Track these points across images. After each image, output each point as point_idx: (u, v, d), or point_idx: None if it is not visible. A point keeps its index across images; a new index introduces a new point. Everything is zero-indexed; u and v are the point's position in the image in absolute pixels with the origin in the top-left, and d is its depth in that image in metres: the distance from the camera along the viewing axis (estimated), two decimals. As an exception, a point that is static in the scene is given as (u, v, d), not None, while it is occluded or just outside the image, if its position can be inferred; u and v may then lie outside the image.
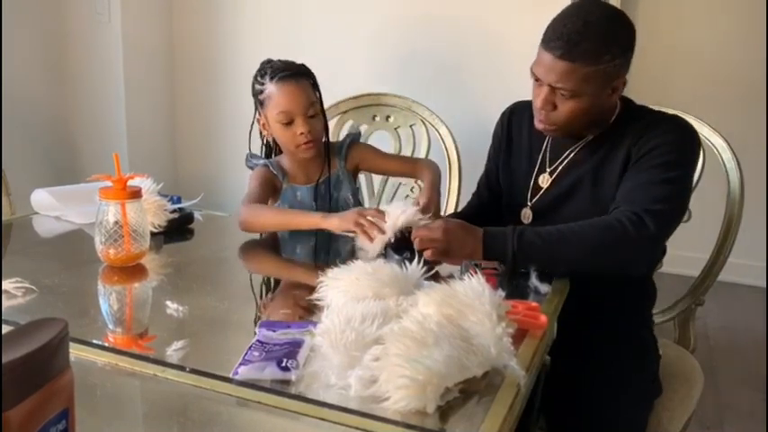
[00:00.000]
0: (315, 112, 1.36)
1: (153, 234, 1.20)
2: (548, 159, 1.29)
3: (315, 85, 1.40)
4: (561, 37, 1.08)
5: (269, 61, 1.40)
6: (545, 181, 1.27)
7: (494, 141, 1.42)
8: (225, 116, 2.39)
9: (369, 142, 1.66)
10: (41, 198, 1.41)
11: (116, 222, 1.06)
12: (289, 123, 1.34)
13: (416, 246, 1.09)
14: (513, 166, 1.35)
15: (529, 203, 1.29)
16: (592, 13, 1.09)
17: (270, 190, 1.42)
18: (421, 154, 1.79)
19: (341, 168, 1.47)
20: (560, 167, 1.26)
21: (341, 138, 1.65)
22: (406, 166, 1.52)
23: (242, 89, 2.38)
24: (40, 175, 2.18)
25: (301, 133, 1.33)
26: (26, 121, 2.13)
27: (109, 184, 1.08)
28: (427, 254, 1.07)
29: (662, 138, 1.14)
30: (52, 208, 1.39)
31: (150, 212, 1.26)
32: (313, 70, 1.42)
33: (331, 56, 2.12)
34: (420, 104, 1.78)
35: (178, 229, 1.34)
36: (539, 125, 1.20)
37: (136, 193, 1.09)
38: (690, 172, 1.17)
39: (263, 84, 1.37)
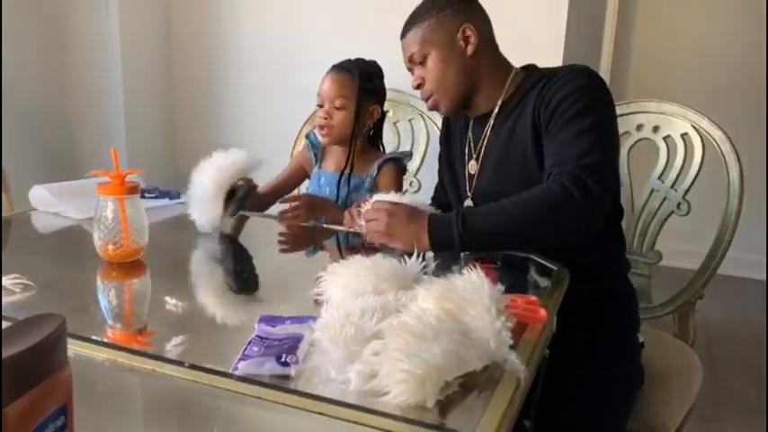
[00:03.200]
0: (341, 105, 1.47)
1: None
2: (472, 146, 1.30)
3: (361, 87, 1.47)
4: (404, 25, 1.25)
5: (351, 59, 1.54)
6: (473, 168, 1.29)
7: (439, 134, 1.46)
8: (224, 110, 2.39)
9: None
10: (40, 194, 1.41)
11: (114, 218, 1.06)
12: (320, 106, 1.49)
13: (364, 228, 1.12)
14: (451, 158, 1.38)
15: (469, 194, 1.30)
16: None
17: (295, 173, 1.64)
18: (420, 148, 1.78)
19: (371, 176, 1.51)
20: (482, 150, 1.27)
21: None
22: None
23: (241, 81, 2.38)
24: (38, 171, 2.17)
25: (320, 116, 1.48)
26: (24, 116, 2.12)
27: (107, 179, 1.08)
28: (371, 236, 1.10)
29: (564, 89, 1.12)
30: (50, 204, 1.39)
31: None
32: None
33: (329, 50, 2.11)
34: (419, 99, 1.77)
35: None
36: (428, 107, 1.28)
37: (134, 189, 1.08)
38: (605, 113, 1.14)
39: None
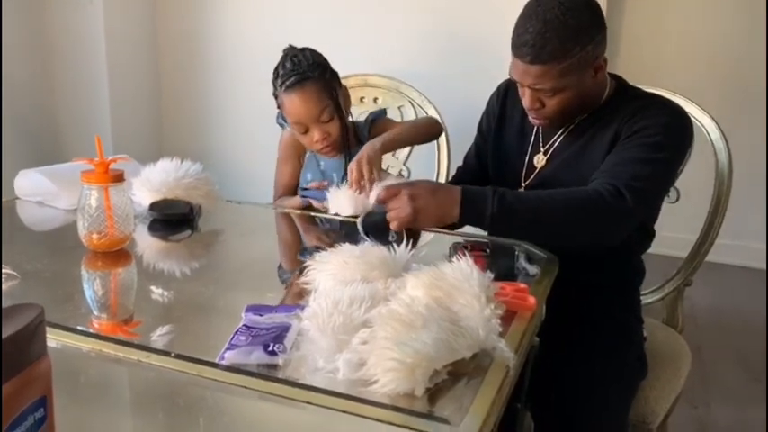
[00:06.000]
0: (328, 116, 1.32)
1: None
2: (541, 140, 1.28)
3: (328, 83, 1.32)
4: (526, 43, 1.08)
5: (283, 62, 1.35)
6: (540, 161, 1.27)
7: (487, 113, 1.40)
8: (210, 97, 2.36)
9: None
10: (27, 181, 1.37)
11: (99, 207, 1.04)
12: (305, 131, 1.34)
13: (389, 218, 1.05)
14: (504, 142, 1.34)
15: (523, 183, 1.28)
16: (550, 9, 1.07)
17: (294, 158, 1.47)
18: (409, 136, 1.77)
19: (364, 136, 1.42)
20: (553, 148, 1.26)
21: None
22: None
23: (227, 69, 2.36)
24: (22, 160, 2.14)
25: (317, 140, 1.33)
26: (8, 104, 2.09)
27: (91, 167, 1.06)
28: (394, 225, 1.04)
29: (654, 119, 1.13)
30: (39, 191, 1.36)
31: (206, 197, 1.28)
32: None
33: (317, 36, 2.09)
34: (408, 85, 1.76)
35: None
36: (534, 122, 1.21)
37: (119, 177, 1.07)
38: (676, 156, 1.16)
39: (276, 90, 1.35)
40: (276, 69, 1.35)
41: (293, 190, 1.50)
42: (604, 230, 1.09)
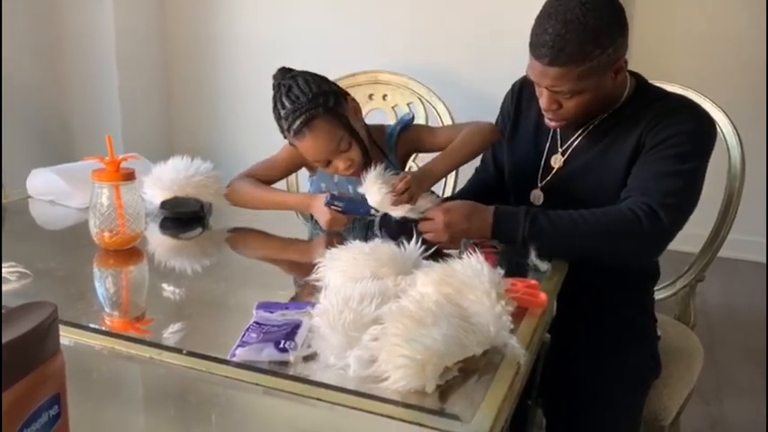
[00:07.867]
0: (346, 145, 1.21)
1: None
2: (558, 140, 1.26)
3: (335, 112, 1.19)
4: (545, 44, 1.05)
5: (279, 98, 1.20)
6: (557, 162, 1.25)
7: (502, 114, 1.39)
8: (221, 95, 2.37)
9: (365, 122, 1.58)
10: (42, 179, 1.38)
11: (110, 205, 1.05)
12: (327, 165, 1.26)
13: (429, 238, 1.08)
14: (519, 142, 1.32)
15: (539, 184, 1.26)
16: (571, 9, 1.04)
17: (290, 169, 1.41)
18: (419, 132, 1.76)
19: (390, 160, 1.35)
20: (572, 148, 1.23)
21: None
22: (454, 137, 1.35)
23: (237, 66, 2.36)
24: (33, 159, 2.15)
25: (342, 170, 1.25)
26: (18, 103, 2.10)
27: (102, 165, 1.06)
28: (430, 239, 1.06)
29: (678, 127, 1.11)
30: (51, 190, 1.37)
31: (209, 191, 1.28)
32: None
33: (326, 33, 2.09)
34: (417, 82, 1.76)
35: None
36: (550, 124, 1.19)
37: (130, 175, 1.07)
38: (703, 164, 1.14)
39: (283, 133, 1.24)
40: (275, 107, 1.21)
41: (266, 183, 1.38)
42: (641, 252, 1.11)
